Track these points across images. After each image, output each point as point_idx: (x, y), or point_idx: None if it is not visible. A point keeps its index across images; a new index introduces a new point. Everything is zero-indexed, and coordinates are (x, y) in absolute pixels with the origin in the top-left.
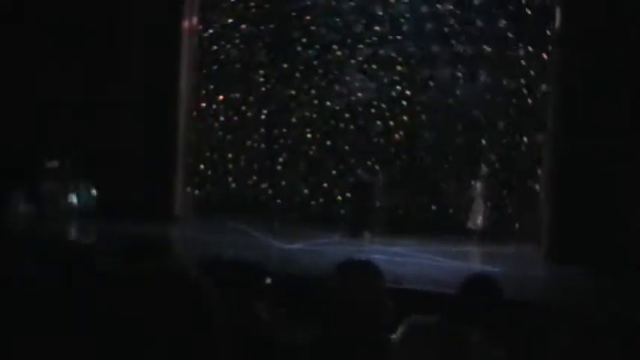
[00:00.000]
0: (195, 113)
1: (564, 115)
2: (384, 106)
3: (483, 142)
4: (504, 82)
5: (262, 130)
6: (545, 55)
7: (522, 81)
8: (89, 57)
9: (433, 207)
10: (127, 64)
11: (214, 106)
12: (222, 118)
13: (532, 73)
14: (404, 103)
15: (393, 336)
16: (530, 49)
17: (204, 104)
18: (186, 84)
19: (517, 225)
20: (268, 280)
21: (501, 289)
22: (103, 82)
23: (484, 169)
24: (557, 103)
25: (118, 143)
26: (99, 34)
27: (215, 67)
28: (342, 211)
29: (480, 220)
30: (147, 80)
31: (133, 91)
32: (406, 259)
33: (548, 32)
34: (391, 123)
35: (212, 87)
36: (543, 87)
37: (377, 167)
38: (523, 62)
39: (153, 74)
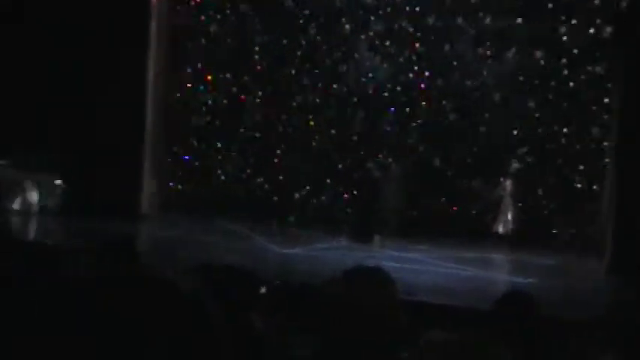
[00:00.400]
0: (178, 95)
1: (632, 104)
2: (398, 89)
3: (515, 132)
4: (542, 62)
5: (257, 116)
6: (592, 30)
7: (564, 60)
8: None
9: (454, 207)
10: (86, 45)
11: (202, 88)
12: (210, 102)
13: (575, 51)
14: (422, 86)
15: (406, 354)
16: (573, 22)
17: (189, 85)
18: (159, 62)
19: (555, 230)
20: (263, 289)
21: (535, 304)
22: (66, 68)
23: (515, 163)
24: (622, 90)
25: (80, 133)
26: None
27: (203, 42)
28: (349, 211)
29: (509, 223)
30: (109, 62)
31: (97, 76)
32: (422, 267)
33: (596, 2)
34: (407, 109)
35: (199, 65)
36: (589, 68)
37: (389, 161)
38: (565, 38)
39: (116, 54)
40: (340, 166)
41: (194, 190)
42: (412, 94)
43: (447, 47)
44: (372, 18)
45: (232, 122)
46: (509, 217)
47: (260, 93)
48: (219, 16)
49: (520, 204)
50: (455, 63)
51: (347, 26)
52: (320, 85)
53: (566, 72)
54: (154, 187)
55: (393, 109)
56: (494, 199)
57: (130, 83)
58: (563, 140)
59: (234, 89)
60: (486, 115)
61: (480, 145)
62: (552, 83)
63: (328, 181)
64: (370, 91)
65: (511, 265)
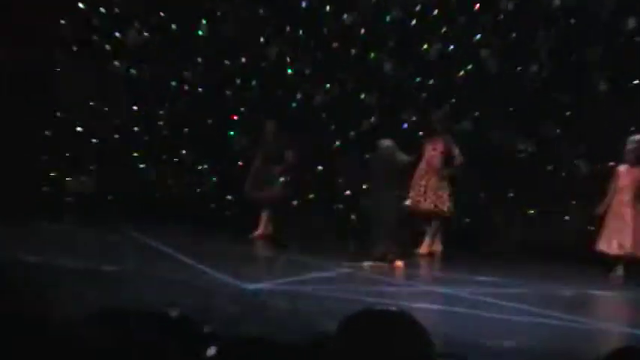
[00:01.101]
0: (62, 21)
1: None
2: (435, 13)
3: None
4: None
5: (199, 59)
6: None
7: None
8: None
9: (530, 211)
10: None
11: (104, 10)
12: (118, 34)
13: None
14: (462, 18)
15: None
16: None
17: (82, 4)
18: None
19: None
20: (212, 351)
21: None
22: None
23: (637, 135)
24: None
25: None
26: None
27: None
28: (353, 217)
29: (627, 236)
30: None
31: None
32: (479, 311)
33: None
34: (443, 46)
35: None
36: None
37: (419, 135)
38: None
39: None
40: (338, 142)
41: (97, 184)
42: (449, 29)
43: None
44: None
45: (156, 67)
46: (628, 225)
47: (204, 21)
48: None
49: None
50: None
51: None
52: (298, 17)
53: None
54: None
55: (424, 45)
56: (599, 195)
57: None
58: None
59: (161, 13)
60: (573, 56)
61: (573, 106)
62: None
63: (320, 167)
64: (380, 27)
65: (631, 309)
